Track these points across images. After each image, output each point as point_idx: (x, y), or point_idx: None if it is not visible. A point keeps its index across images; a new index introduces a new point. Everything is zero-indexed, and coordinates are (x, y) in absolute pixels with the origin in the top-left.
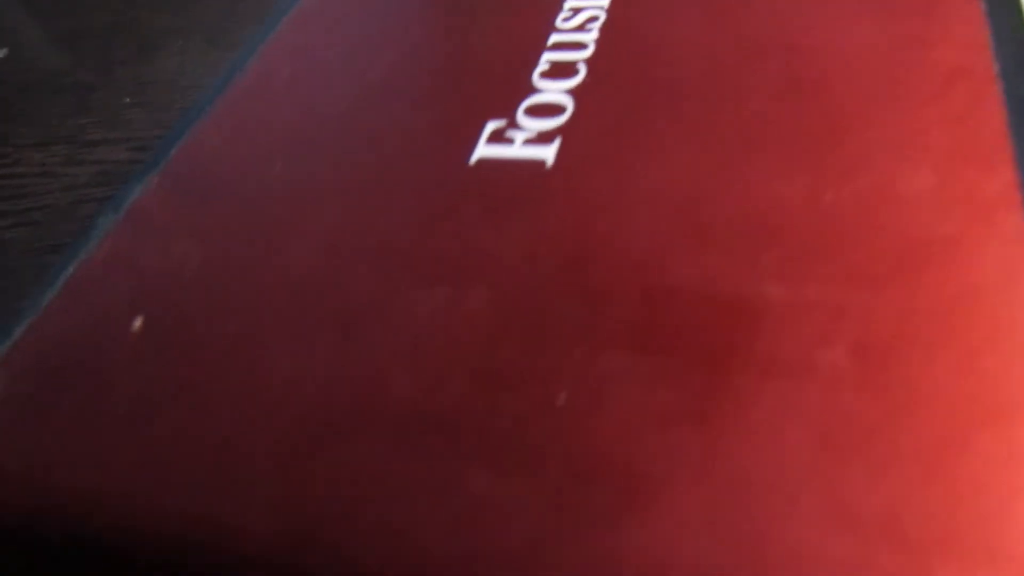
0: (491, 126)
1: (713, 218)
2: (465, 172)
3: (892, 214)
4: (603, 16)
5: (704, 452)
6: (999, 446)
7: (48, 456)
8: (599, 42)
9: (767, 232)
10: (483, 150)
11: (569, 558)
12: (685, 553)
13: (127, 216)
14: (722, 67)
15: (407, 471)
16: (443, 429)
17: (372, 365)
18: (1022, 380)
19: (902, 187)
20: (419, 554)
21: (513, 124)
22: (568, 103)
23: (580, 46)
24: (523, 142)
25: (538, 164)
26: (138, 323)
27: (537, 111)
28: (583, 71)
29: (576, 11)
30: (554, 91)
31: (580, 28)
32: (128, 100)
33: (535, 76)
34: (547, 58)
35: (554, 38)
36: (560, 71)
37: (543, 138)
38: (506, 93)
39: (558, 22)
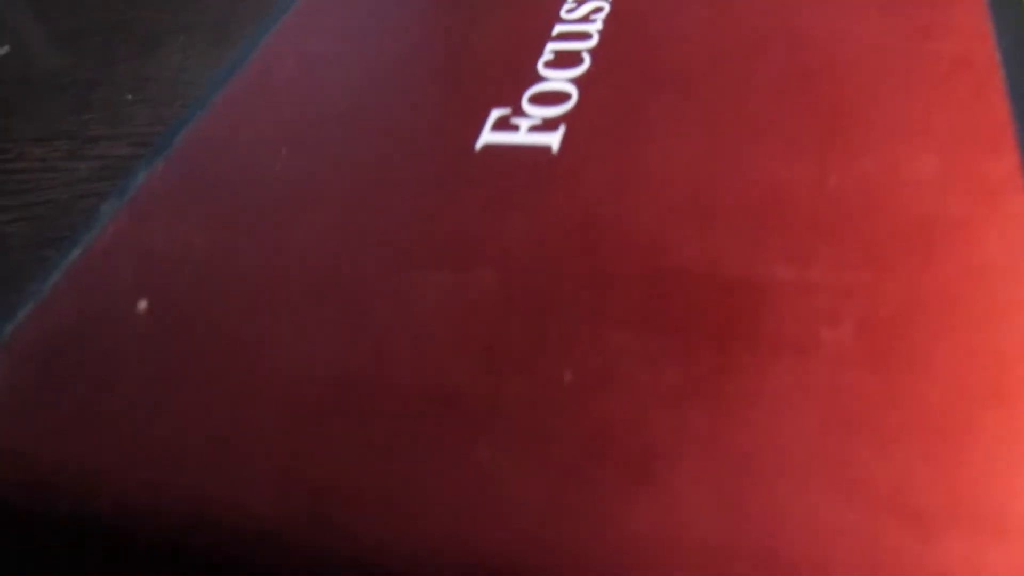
0: (496, 113)
1: (719, 201)
2: (471, 158)
3: (897, 197)
4: (607, 7)
5: (712, 428)
6: (1005, 421)
7: (52, 438)
8: (603, 32)
9: (773, 215)
10: (488, 137)
11: (577, 535)
12: (694, 528)
13: (131, 202)
14: (727, 56)
15: (414, 450)
16: (450, 407)
17: (379, 346)
18: None
19: (907, 172)
20: (426, 532)
21: (518, 111)
22: (573, 91)
23: (585, 36)
24: (528, 129)
25: (543, 150)
26: (143, 305)
27: (542, 99)
28: (587, 60)
29: (580, 2)
30: (559, 80)
31: (585, 19)
32: (130, 97)
33: (540, 65)
34: (552, 48)
35: (559, 28)
36: (565, 60)
37: (548, 125)
38: (511, 82)
39: (563, 13)
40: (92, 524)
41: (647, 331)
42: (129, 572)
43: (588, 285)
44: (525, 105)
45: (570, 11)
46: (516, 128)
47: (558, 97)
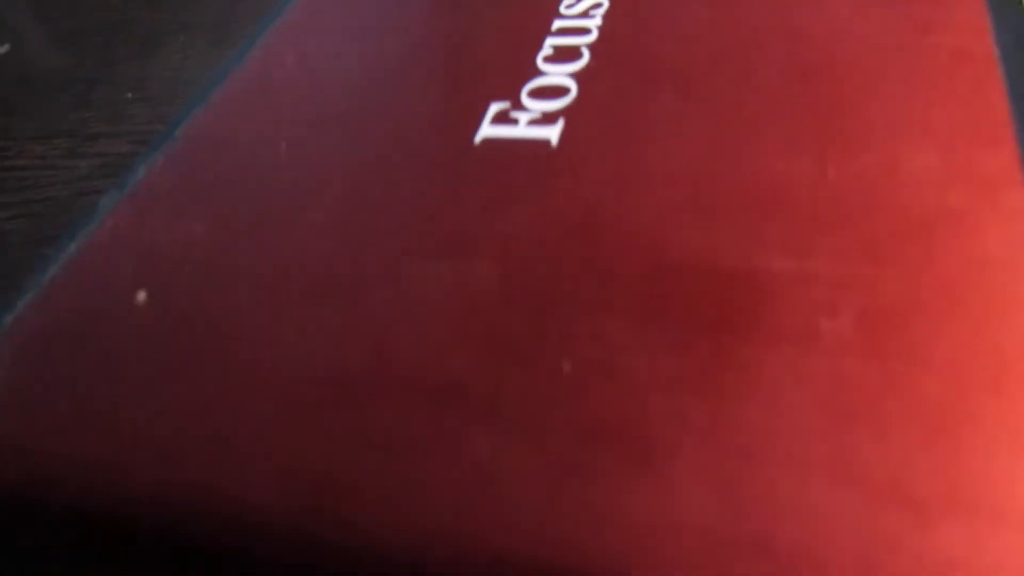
0: (495, 107)
1: (718, 193)
2: (470, 151)
3: (896, 190)
4: (606, 3)
5: (711, 419)
6: (1003, 410)
7: (51, 429)
8: (603, 28)
9: (772, 207)
10: (488, 130)
11: (576, 524)
12: (693, 518)
13: (130, 195)
14: (726, 50)
15: (414, 442)
16: (450, 400)
17: (378, 339)
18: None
19: (906, 165)
20: (426, 524)
21: (518, 105)
22: (572, 86)
23: (584, 31)
24: (528, 123)
25: (543, 144)
26: (142, 295)
27: (541, 93)
28: (587, 55)
29: None
30: (558, 74)
31: (584, 14)
32: (130, 95)
33: (539, 60)
34: (551, 43)
35: (558, 23)
36: (564, 55)
37: (547, 119)
38: (510, 76)
39: (562, 9)
40: (87, 513)
41: (647, 323)
42: (129, 564)
43: (587, 277)
44: (524, 99)
45: (569, 7)
46: (515, 122)
47: (557, 91)
